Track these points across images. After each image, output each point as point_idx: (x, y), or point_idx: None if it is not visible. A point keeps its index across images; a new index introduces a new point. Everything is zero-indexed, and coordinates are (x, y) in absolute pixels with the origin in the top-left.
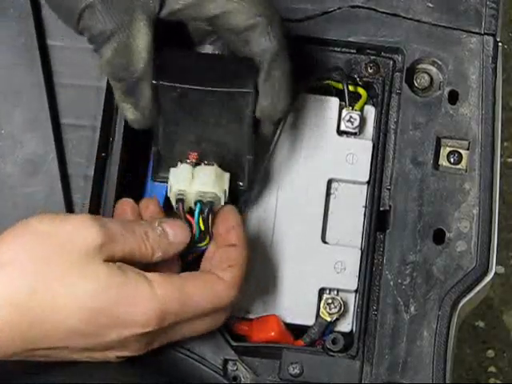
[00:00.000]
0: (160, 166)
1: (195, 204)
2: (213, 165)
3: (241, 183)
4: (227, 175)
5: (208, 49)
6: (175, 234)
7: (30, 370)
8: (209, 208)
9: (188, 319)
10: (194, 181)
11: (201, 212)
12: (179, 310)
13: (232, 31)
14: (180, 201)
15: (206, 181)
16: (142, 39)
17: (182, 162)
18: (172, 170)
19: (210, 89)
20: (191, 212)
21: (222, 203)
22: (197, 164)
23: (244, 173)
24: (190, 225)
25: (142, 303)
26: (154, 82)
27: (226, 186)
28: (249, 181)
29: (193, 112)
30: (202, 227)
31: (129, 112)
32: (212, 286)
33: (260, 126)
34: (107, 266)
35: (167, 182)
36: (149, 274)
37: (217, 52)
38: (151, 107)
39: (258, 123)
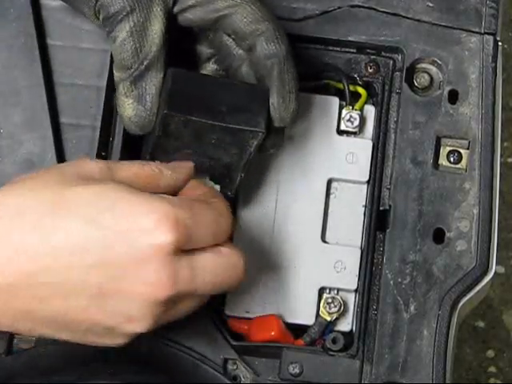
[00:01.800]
0: None
1: None
2: (205, 178)
3: (229, 192)
4: (218, 188)
5: (210, 68)
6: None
7: (33, 372)
8: None
9: (198, 247)
10: None
11: None
12: (193, 225)
13: (238, 34)
14: None
15: None
16: (157, 24)
17: None
18: None
19: (222, 125)
20: None
21: None
22: None
23: (233, 184)
24: None
25: (151, 209)
26: (165, 111)
27: None
28: (236, 190)
29: (196, 134)
30: None
31: (129, 108)
32: (213, 208)
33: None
34: (112, 182)
35: None
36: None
37: (220, 71)
38: (156, 102)
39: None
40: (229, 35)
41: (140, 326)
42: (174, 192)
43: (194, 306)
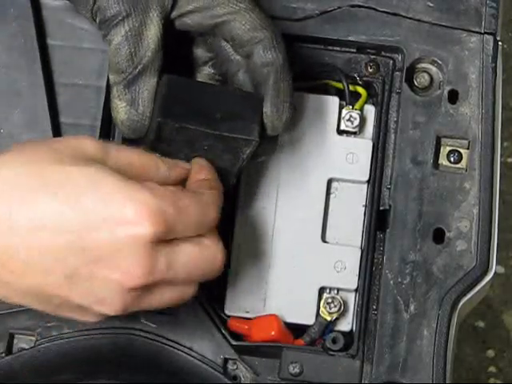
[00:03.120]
0: None
1: None
2: None
3: None
4: None
5: (207, 72)
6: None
7: (33, 372)
8: None
9: (181, 241)
10: None
11: None
12: (175, 217)
13: (236, 41)
14: None
15: None
16: (153, 30)
17: None
18: None
19: (216, 133)
20: None
21: None
22: None
23: (225, 188)
24: None
25: (134, 198)
26: (158, 119)
27: None
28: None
29: (189, 141)
30: None
31: (122, 111)
32: (200, 199)
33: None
34: (101, 165)
35: None
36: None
37: (216, 75)
38: (148, 106)
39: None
40: (227, 41)
41: (110, 309)
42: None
43: (174, 297)
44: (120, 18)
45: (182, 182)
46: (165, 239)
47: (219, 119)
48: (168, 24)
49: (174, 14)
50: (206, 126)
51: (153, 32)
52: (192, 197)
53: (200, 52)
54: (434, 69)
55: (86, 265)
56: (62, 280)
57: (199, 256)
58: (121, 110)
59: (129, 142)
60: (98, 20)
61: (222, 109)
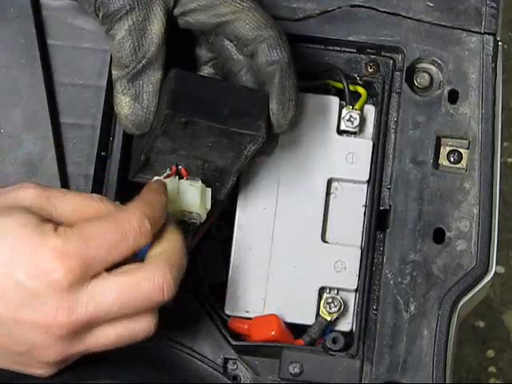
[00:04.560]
0: (144, 169)
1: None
2: (198, 180)
3: (218, 195)
4: (209, 191)
5: (207, 71)
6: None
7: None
8: (191, 234)
9: (99, 269)
10: (178, 197)
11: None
12: (82, 248)
13: (240, 40)
14: None
15: (192, 203)
16: (156, 24)
17: (167, 169)
18: (156, 179)
19: (224, 127)
20: None
21: (203, 220)
22: (181, 177)
23: (224, 188)
24: None
25: (44, 244)
26: (167, 111)
27: (209, 205)
28: (226, 194)
29: (194, 135)
30: None
31: (126, 106)
32: (114, 220)
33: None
34: (23, 214)
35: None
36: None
37: (217, 75)
38: (153, 101)
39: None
40: (230, 40)
41: (47, 354)
42: None
43: (124, 334)
44: (123, 12)
45: None
46: (86, 275)
47: (226, 114)
48: (170, 21)
49: (177, 11)
50: (214, 121)
51: (156, 26)
52: (101, 225)
53: (201, 52)
54: (434, 69)
55: (9, 311)
56: None
57: (129, 283)
58: (125, 104)
59: (129, 141)
60: (101, 14)
61: (229, 104)
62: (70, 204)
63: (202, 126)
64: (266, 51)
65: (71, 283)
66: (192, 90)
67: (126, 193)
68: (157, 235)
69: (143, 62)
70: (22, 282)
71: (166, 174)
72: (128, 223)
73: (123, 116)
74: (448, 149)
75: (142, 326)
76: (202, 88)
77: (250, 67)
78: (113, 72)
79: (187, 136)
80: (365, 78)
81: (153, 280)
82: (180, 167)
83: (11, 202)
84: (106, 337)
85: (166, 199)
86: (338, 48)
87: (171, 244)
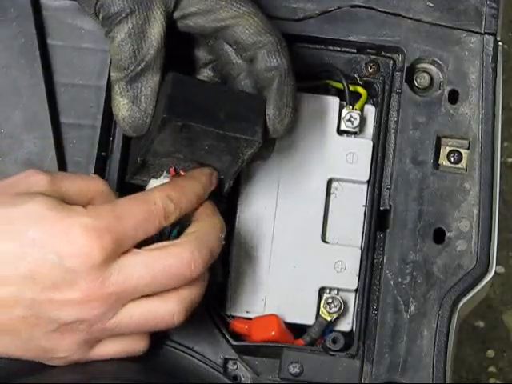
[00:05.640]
0: (141, 171)
1: (172, 226)
2: None
3: (215, 198)
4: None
5: (206, 74)
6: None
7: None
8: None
9: (131, 243)
10: None
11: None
12: (114, 225)
13: (239, 45)
14: None
15: None
16: (156, 27)
17: (164, 172)
18: (153, 181)
19: (220, 132)
20: None
21: None
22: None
23: (221, 191)
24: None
25: (75, 223)
26: (164, 115)
27: None
28: (222, 196)
29: (191, 139)
30: None
31: (124, 108)
32: (141, 200)
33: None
34: (42, 199)
35: (143, 185)
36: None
37: (215, 78)
38: (150, 103)
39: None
40: (229, 44)
41: (79, 331)
42: None
43: (151, 314)
44: (124, 14)
45: None
46: (118, 251)
47: (223, 119)
48: (170, 24)
49: (177, 14)
50: (210, 125)
51: (156, 30)
52: (131, 204)
53: (200, 54)
54: (434, 69)
55: (43, 292)
56: (25, 311)
57: (158, 257)
58: (122, 106)
59: (130, 139)
60: (101, 16)
61: (226, 109)
62: (73, 186)
63: (199, 130)
64: (266, 57)
65: (104, 259)
66: (189, 93)
67: (126, 193)
68: (194, 218)
69: (142, 64)
70: (58, 263)
71: (163, 176)
72: (154, 204)
73: (121, 118)
74: (448, 149)
75: (167, 309)
76: (200, 92)
77: (249, 72)
78: (111, 74)
79: (184, 139)
80: (365, 78)
81: (180, 256)
82: (178, 170)
83: (27, 189)
84: (132, 316)
85: (201, 186)
86: (338, 48)
87: (205, 225)
